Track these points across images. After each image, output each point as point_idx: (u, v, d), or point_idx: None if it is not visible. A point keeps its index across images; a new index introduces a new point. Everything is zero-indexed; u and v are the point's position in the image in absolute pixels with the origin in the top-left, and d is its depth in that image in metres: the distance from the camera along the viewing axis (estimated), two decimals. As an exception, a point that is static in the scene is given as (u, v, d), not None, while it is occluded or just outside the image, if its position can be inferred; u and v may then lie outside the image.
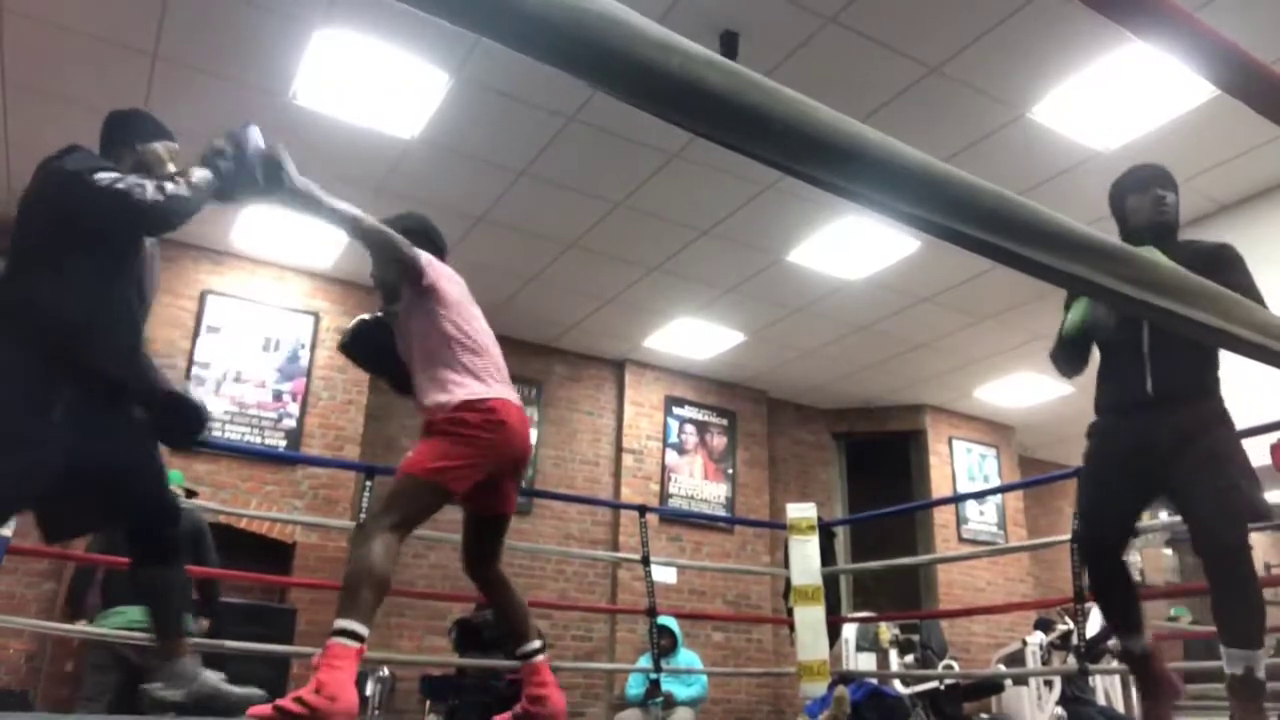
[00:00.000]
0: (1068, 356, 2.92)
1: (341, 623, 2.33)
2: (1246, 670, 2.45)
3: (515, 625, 2.86)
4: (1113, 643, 6.14)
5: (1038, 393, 8.87)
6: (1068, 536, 4.28)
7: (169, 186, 2.33)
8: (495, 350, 2.83)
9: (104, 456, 2.31)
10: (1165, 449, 2.60)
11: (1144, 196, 2.82)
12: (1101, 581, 2.80)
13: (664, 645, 5.84)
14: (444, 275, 2.85)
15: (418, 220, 3.09)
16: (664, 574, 7.41)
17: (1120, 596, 2.80)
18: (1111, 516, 2.76)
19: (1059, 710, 6.29)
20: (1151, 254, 2.66)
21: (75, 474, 2.23)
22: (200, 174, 2.42)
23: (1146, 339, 2.70)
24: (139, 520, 2.53)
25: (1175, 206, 2.86)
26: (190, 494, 5.43)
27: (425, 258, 2.80)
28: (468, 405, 2.64)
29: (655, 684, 5.57)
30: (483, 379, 2.70)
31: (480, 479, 2.65)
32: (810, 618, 4.95)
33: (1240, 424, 3.68)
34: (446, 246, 3.09)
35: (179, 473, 5.55)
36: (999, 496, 9.44)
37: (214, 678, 2.53)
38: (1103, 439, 2.79)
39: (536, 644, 2.84)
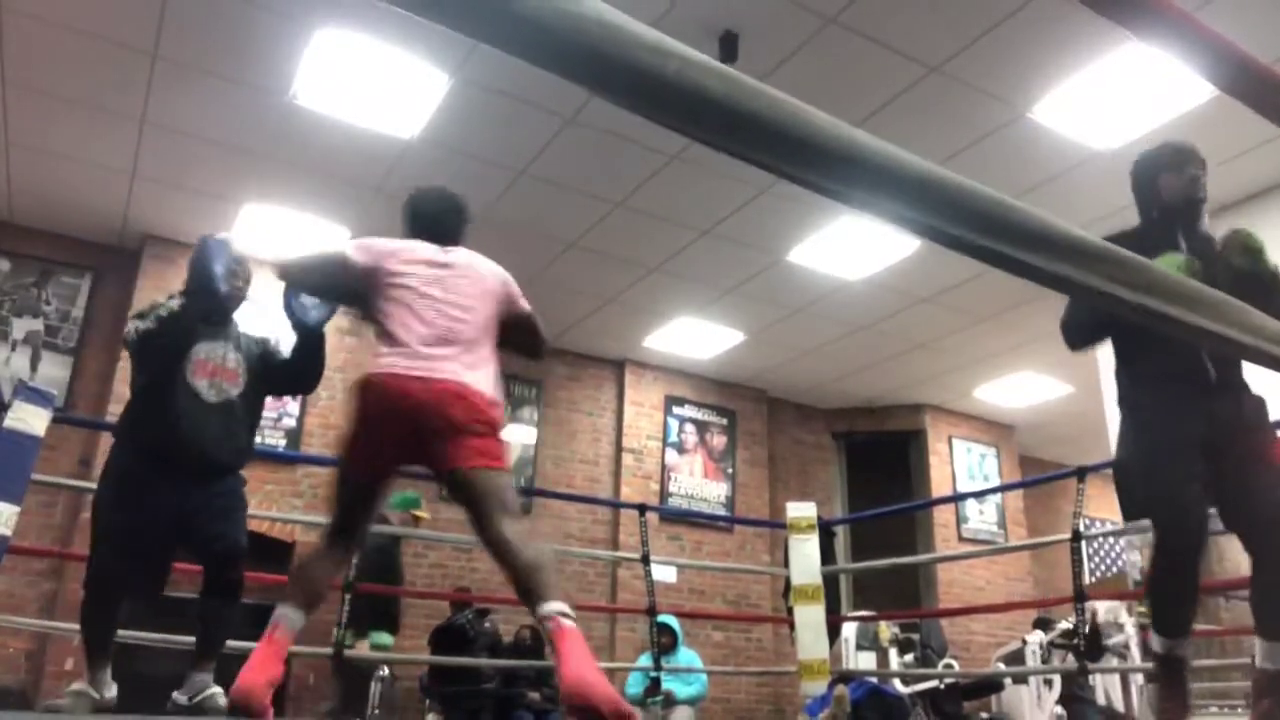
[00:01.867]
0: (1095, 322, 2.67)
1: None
2: None
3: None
4: (1113, 641, 6.14)
5: (1038, 392, 8.87)
6: (1068, 536, 4.28)
7: (140, 325, 2.95)
8: (424, 324, 2.59)
9: (185, 518, 2.91)
10: (1229, 431, 2.48)
11: (1180, 175, 2.70)
12: (1191, 581, 2.47)
13: (664, 643, 5.84)
14: (386, 257, 2.71)
15: (408, 205, 2.99)
16: (664, 573, 7.41)
17: (1196, 597, 2.55)
18: (1200, 498, 2.45)
19: (1059, 709, 6.30)
20: (1173, 261, 2.52)
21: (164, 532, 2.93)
22: (169, 304, 2.99)
23: None
24: (207, 561, 2.97)
25: (1205, 186, 2.76)
26: (418, 519, 5.69)
27: (361, 261, 2.70)
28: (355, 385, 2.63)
29: (655, 682, 5.59)
30: (379, 356, 2.60)
31: (372, 455, 2.55)
32: (810, 617, 4.95)
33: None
34: (430, 212, 2.95)
35: (418, 495, 5.68)
36: (999, 496, 9.44)
37: (217, 690, 2.82)
38: (1169, 413, 2.53)
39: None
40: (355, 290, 2.73)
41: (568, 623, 2.18)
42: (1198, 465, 2.45)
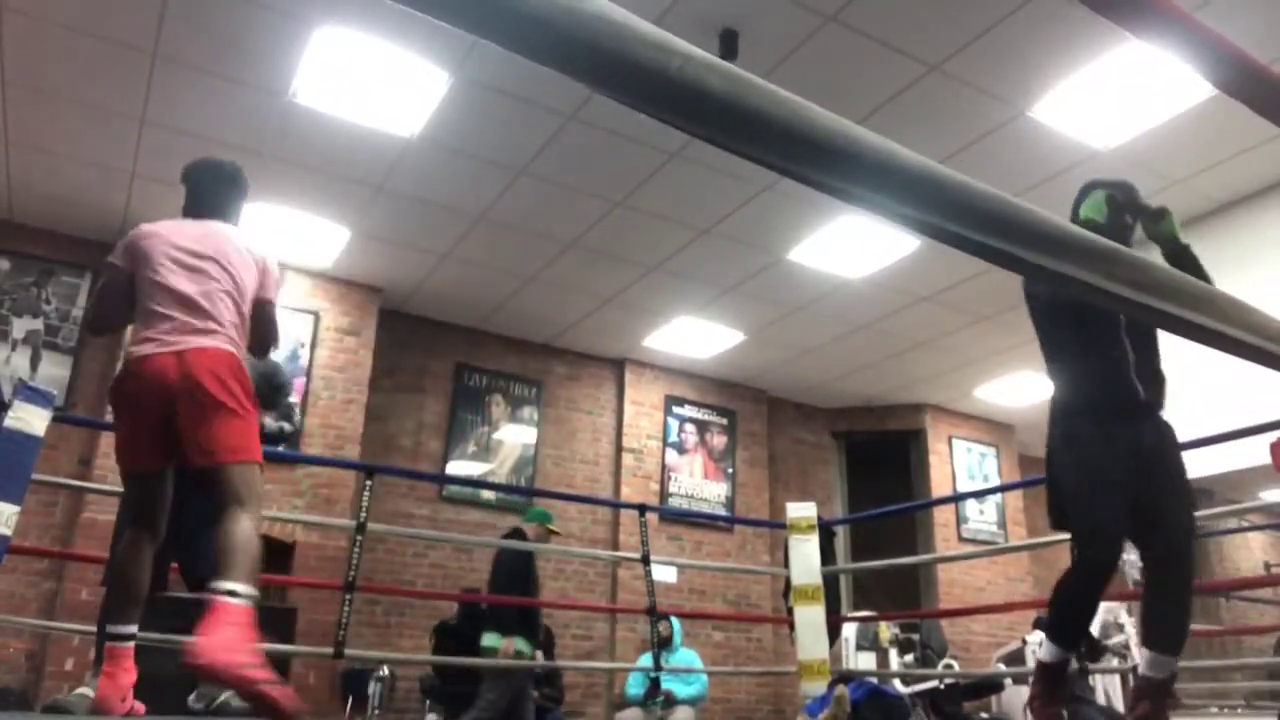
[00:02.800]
0: None
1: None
2: (1171, 674, 2.65)
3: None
4: (1113, 641, 6.14)
5: (1037, 392, 8.86)
6: (1068, 536, 4.28)
7: None
8: (177, 301, 2.59)
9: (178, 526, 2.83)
10: (1151, 459, 2.68)
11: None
12: (1093, 604, 2.77)
13: (662, 633, 5.87)
14: (144, 245, 2.70)
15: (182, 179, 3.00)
16: (664, 573, 7.42)
17: (1092, 617, 2.86)
18: (1121, 535, 2.67)
19: (1058, 709, 6.29)
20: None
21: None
22: None
23: (1129, 341, 2.73)
24: (186, 576, 3.09)
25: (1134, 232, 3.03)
26: (552, 533, 5.76)
27: (124, 264, 2.70)
28: (116, 378, 2.60)
29: (655, 683, 5.61)
30: (135, 340, 2.58)
31: (143, 443, 2.54)
32: (810, 617, 4.95)
33: (1240, 423, 3.70)
34: (193, 183, 2.93)
35: (547, 511, 5.83)
36: (999, 496, 9.44)
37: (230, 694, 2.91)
38: (1102, 448, 2.67)
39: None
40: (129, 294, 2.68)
41: (227, 600, 2.22)
42: (1119, 502, 2.64)
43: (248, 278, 2.72)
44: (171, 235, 2.71)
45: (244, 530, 2.38)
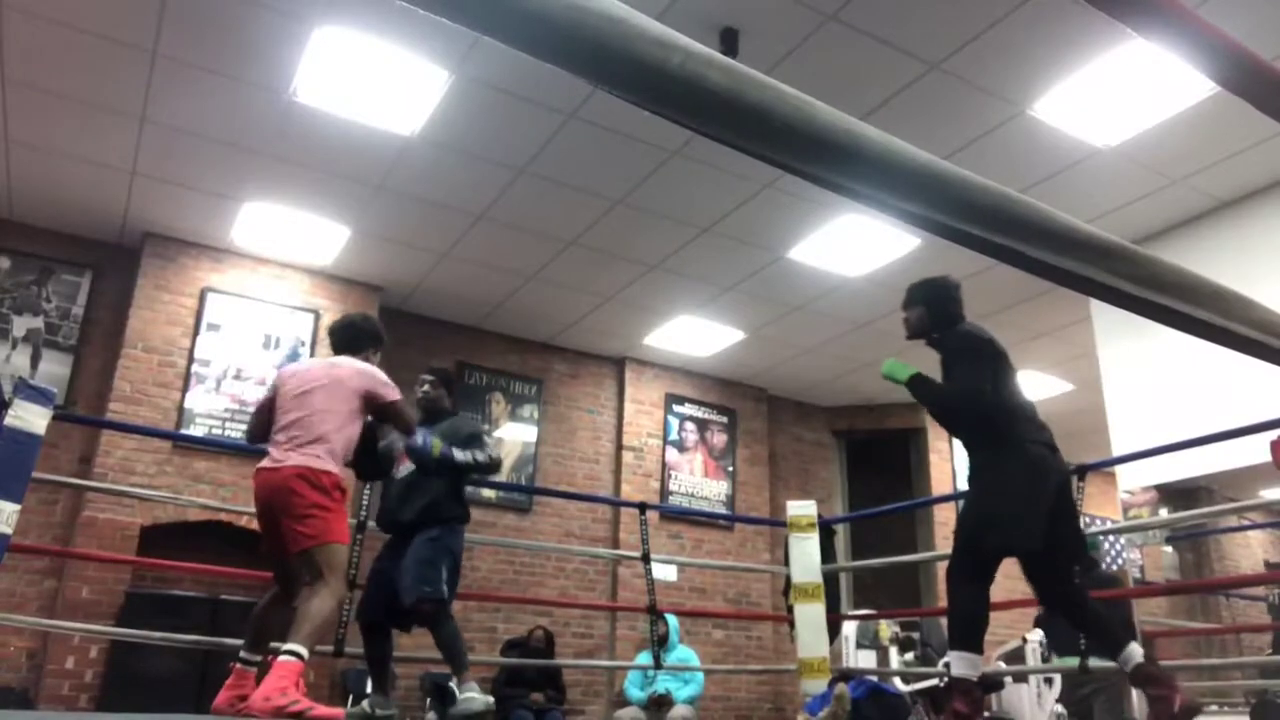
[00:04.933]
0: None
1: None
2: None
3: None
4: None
5: (1038, 390, 8.84)
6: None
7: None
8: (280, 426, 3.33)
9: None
10: (1061, 489, 3.44)
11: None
12: None
13: (660, 633, 5.90)
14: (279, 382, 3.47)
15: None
16: (664, 571, 7.42)
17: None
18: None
19: (1059, 708, 6.30)
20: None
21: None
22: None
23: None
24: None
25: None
26: None
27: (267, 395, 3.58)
28: None
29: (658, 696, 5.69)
30: None
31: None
32: (810, 615, 4.95)
33: (1240, 421, 3.71)
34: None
35: None
36: (999, 494, 9.42)
37: (464, 700, 3.58)
38: (1038, 475, 3.32)
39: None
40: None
41: (284, 659, 2.84)
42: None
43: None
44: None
45: (315, 601, 2.99)
